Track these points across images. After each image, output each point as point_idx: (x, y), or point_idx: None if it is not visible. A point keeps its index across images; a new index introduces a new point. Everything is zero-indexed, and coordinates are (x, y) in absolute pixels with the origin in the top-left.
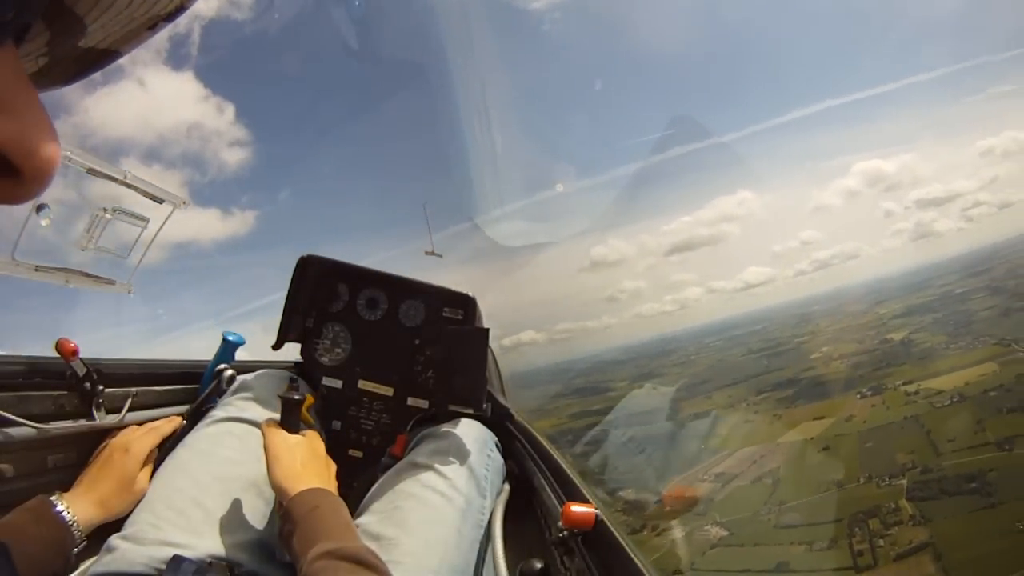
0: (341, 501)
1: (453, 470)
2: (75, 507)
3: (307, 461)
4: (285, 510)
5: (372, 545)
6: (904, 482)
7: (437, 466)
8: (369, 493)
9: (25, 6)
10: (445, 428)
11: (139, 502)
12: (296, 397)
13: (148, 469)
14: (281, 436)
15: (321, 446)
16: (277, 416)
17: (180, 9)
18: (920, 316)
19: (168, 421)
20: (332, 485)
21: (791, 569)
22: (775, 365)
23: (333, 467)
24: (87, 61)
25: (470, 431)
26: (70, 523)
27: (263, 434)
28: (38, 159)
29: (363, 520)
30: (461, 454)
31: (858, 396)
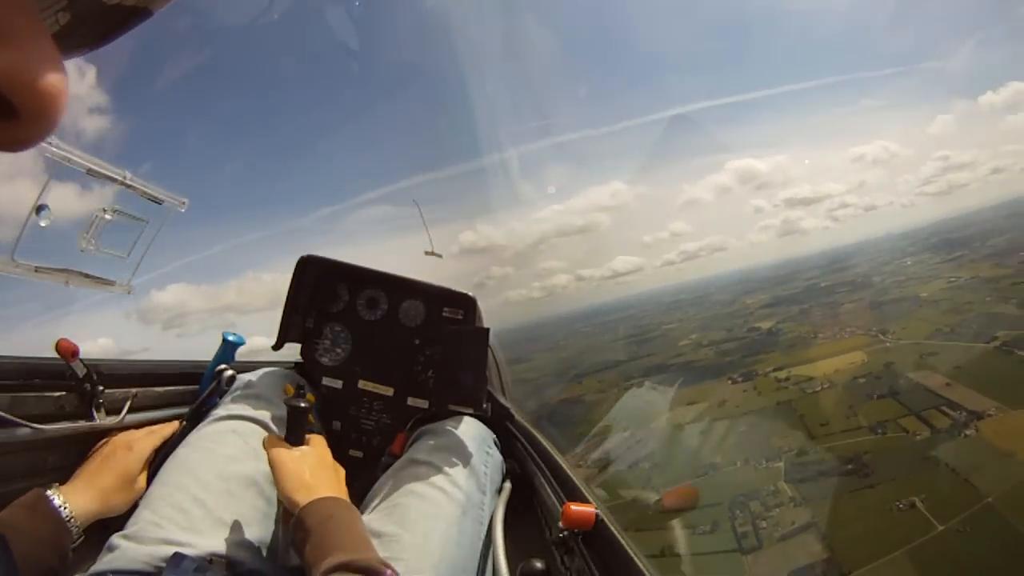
0: (355, 510)
1: (452, 467)
2: (72, 500)
3: (316, 470)
4: (297, 519)
5: (374, 542)
6: (782, 465)
7: (436, 463)
8: (370, 492)
9: None
10: (443, 425)
11: (137, 501)
12: (303, 405)
13: (147, 471)
14: (286, 447)
15: (328, 452)
16: (277, 414)
17: None
18: (787, 307)
19: (168, 425)
20: (343, 492)
21: (675, 553)
22: (644, 351)
23: (342, 472)
24: (114, 20)
25: (468, 428)
26: (67, 518)
27: (266, 448)
28: (38, 93)
29: (364, 518)
30: (460, 451)
31: (729, 382)
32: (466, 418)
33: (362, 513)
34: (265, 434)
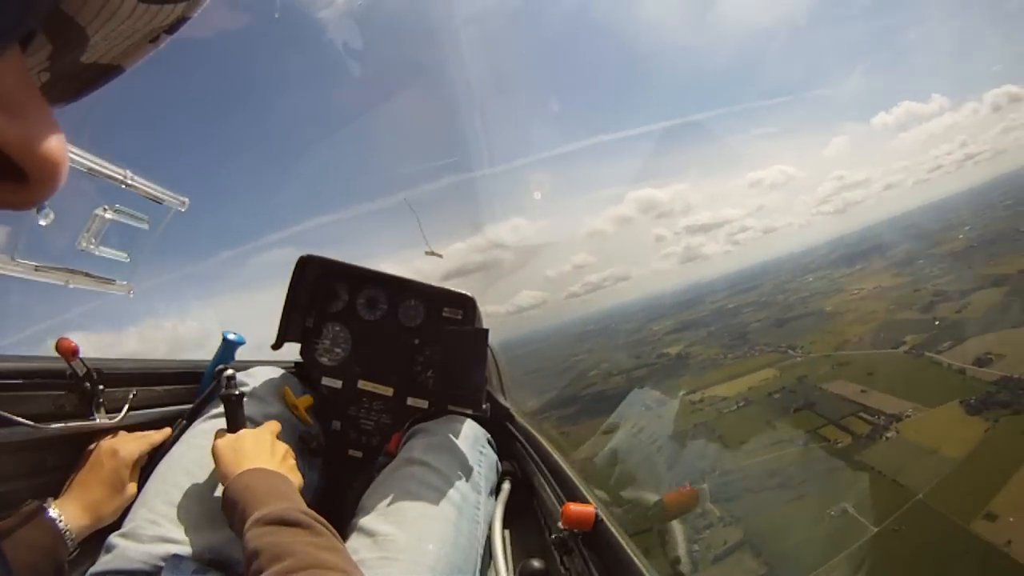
0: (280, 475)
1: (446, 465)
2: (66, 514)
3: (247, 451)
4: (224, 497)
5: (368, 542)
6: (706, 486)
7: (430, 462)
8: (366, 492)
9: (29, 9)
10: (437, 424)
11: (128, 508)
12: (235, 393)
13: (136, 474)
14: (222, 436)
15: (268, 434)
16: (273, 412)
17: (182, 20)
18: (694, 331)
19: (159, 432)
20: (281, 466)
21: None
22: (553, 384)
23: (283, 449)
24: (89, 77)
25: (462, 427)
26: (63, 530)
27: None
28: (46, 162)
29: (360, 518)
30: (453, 450)
31: (644, 409)
32: (460, 417)
33: (359, 513)
34: None
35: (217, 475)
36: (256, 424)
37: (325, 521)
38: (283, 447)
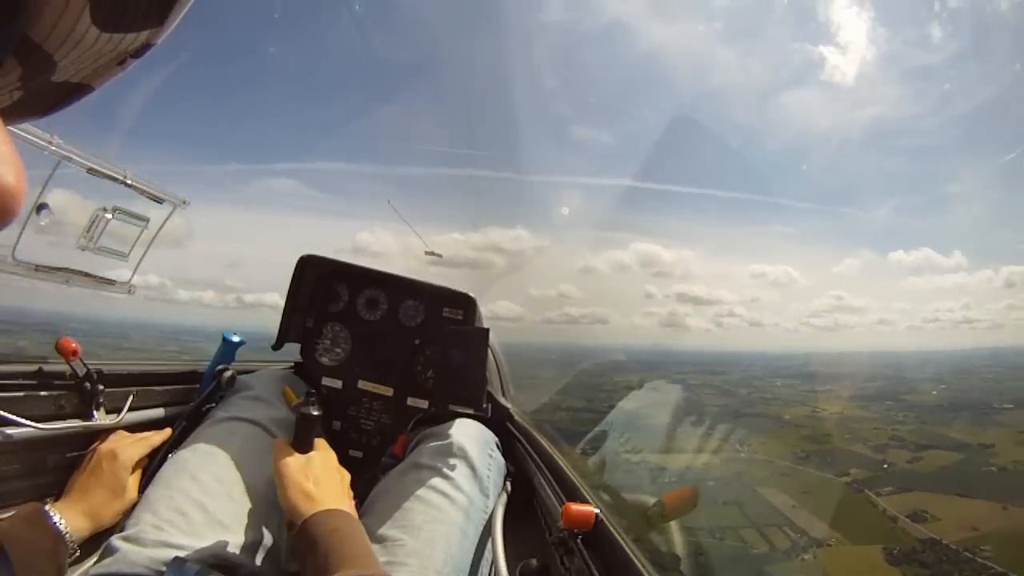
0: (359, 523)
1: (456, 471)
2: (66, 516)
3: (320, 479)
4: (301, 530)
5: (376, 547)
6: None
7: (440, 467)
8: (372, 494)
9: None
10: (447, 429)
11: (127, 511)
12: (314, 413)
13: (137, 477)
14: (292, 455)
15: (333, 458)
16: (276, 415)
17: (147, 46)
18: None
19: (158, 433)
20: (348, 499)
21: None
22: None
23: (347, 477)
24: (60, 94)
25: (472, 431)
26: (64, 533)
27: (273, 453)
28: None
29: (367, 522)
30: (464, 455)
31: (580, 453)
32: (469, 421)
33: (365, 516)
34: (265, 436)
35: (250, 480)
36: (262, 426)
37: None
38: (346, 474)
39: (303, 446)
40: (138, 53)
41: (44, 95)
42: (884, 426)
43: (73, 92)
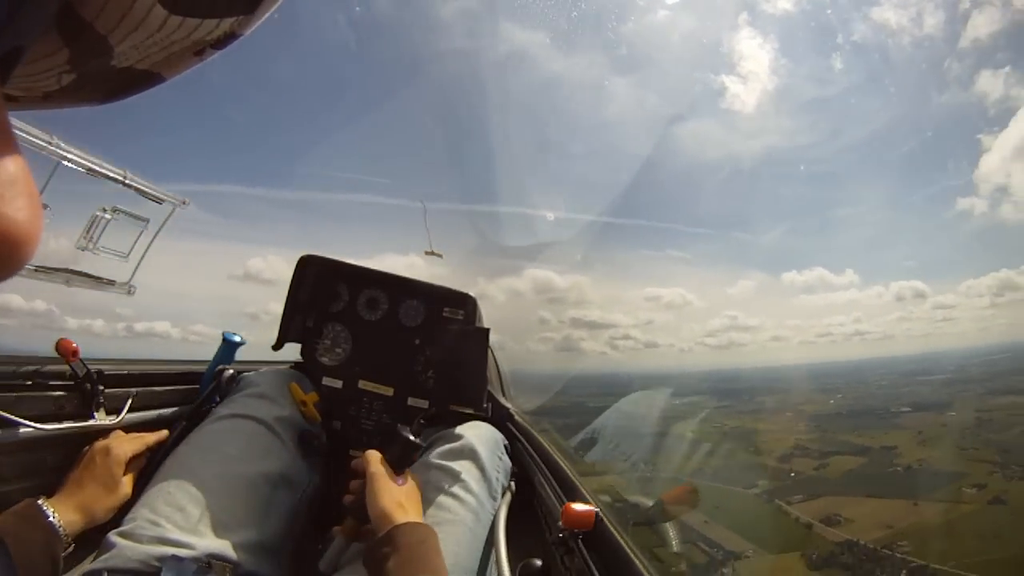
0: (440, 543)
1: (467, 472)
2: (60, 511)
3: (411, 497)
4: (390, 534)
5: None
6: None
7: (451, 467)
8: None
9: (9, 28)
10: (458, 430)
11: (121, 507)
12: (418, 441)
13: (132, 474)
14: (388, 470)
15: (417, 488)
16: (280, 414)
17: (231, 36)
18: (550, 417)
19: (155, 433)
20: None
21: None
22: None
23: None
24: (123, 81)
25: (483, 433)
26: (58, 528)
27: (367, 458)
28: (5, 238)
29: None
30: (475, 457)
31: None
32: (478, 423)
33: None
34: (268, 434)
35: (252, 477)
36: (265, 424)
37: None
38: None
39: (399, 466)
40: (220, 43)
41: (103, 81)
42: (786, 436)
43: (139, 81)
